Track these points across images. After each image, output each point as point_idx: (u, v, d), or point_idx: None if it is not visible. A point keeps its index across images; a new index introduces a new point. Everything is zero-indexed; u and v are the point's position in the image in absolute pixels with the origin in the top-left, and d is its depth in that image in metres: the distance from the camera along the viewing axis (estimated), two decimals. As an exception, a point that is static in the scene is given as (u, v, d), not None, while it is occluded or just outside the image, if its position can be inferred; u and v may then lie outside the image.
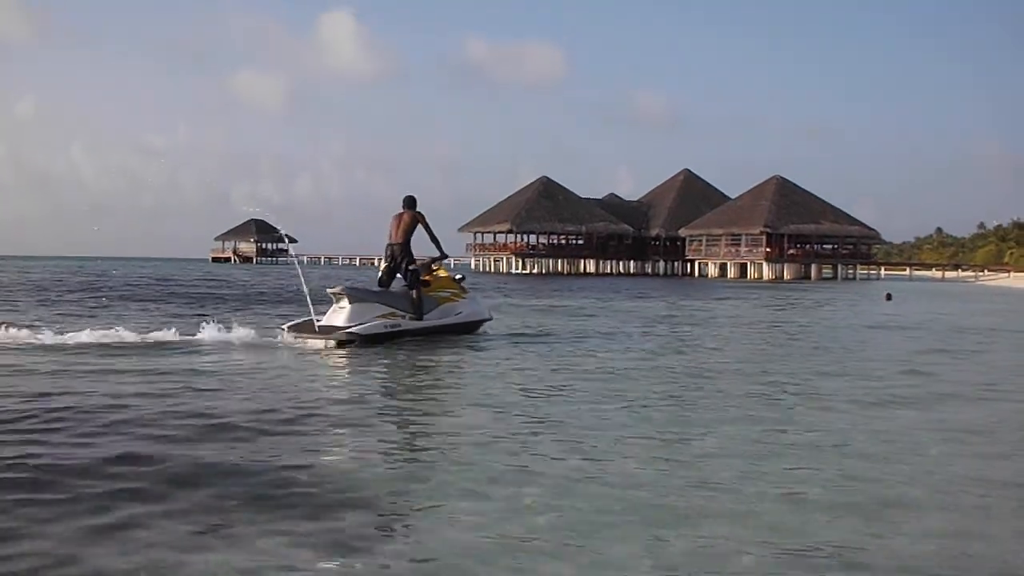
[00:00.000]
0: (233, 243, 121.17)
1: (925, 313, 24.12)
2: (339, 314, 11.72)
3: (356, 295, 11.92)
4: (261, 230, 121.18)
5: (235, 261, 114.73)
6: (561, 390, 8.17)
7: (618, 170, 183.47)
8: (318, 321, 11.73)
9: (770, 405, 7.62)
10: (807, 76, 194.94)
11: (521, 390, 8.13)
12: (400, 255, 12.34)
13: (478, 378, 9.13)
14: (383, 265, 12.62)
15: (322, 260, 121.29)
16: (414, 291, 12.33)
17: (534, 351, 11.59)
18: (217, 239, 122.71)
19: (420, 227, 12.46)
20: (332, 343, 11.31)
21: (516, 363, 10.34)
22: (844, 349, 13.02)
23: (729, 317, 20.51)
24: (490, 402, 7.42)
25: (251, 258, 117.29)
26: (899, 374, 9.93)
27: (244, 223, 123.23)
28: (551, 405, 7.39)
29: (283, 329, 11.86)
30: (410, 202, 12.63)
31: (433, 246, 12.76)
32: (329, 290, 12.02)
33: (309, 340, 11.42)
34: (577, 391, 8.11)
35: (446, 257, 13.44)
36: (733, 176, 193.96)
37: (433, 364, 10.24)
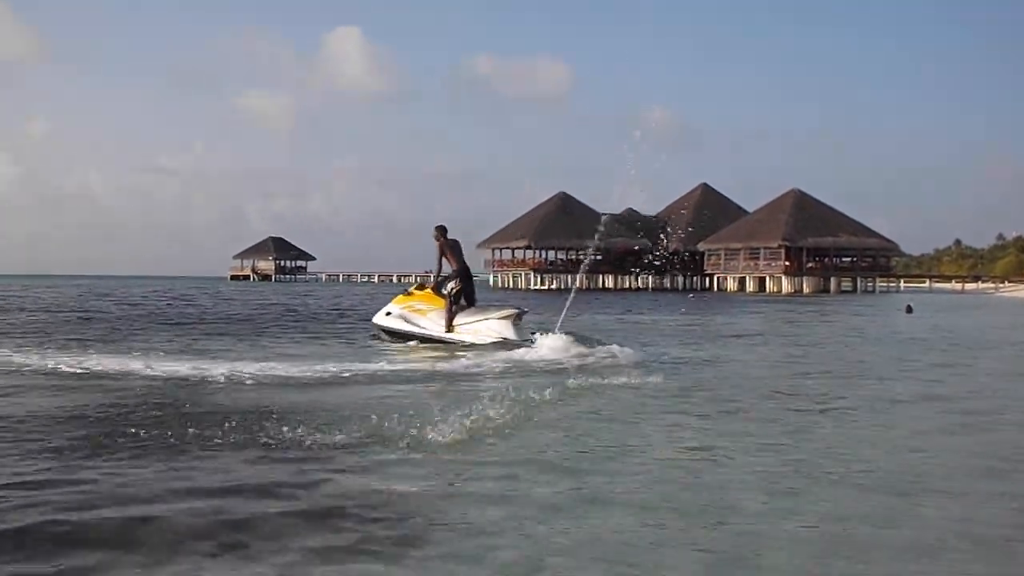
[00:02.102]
0: (252, 261, 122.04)
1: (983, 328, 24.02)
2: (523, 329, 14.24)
3: None
4: (279, 248, 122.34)
5: (254, 279, 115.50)
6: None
7: (634, 184, 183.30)
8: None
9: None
10: (822, 86, 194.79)
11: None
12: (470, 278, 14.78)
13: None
14: (457, 287, 14.46)
15: (340, 277, 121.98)
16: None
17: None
18: (236, 257, 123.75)
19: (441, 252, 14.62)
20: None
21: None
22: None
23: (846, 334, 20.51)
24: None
25: (269, 276, 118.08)
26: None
27: (262, 241, 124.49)
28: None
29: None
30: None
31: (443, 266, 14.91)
32: (514, 310, 14.29)
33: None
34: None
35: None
36: (750, 189, 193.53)
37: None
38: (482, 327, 14.03)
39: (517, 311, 14.28)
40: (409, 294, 15.42)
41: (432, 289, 14.83)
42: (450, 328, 14.23)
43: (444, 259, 14.42)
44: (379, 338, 15.48)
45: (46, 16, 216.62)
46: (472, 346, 13.48)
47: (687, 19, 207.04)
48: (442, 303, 14.50)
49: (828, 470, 5.56)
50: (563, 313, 14.38)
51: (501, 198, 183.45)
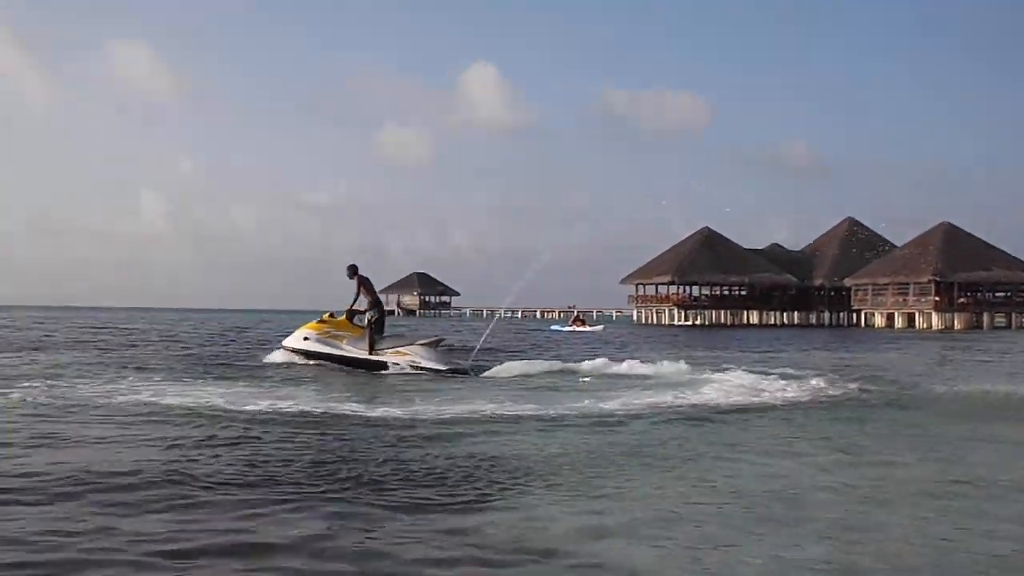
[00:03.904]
0: (397, 296, 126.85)
1: None
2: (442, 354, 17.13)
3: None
4: (424, 283, 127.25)
5: (399, 314, 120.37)
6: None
7: (777, 219, 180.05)
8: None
9: None
10: (970, 117, 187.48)
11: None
12: None
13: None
14: (375, 317, 16.75)
15: (484, 312, 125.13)
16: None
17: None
18: (381, 293, 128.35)
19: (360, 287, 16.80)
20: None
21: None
22: None
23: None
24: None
25: (414, 311, 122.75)
26: None
27: (407, 276, 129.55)
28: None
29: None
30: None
31: (352, 299, 17.12)
32: (434, 338, 17.22)
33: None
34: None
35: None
36: (895, 222, 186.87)
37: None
38: (405, 349, 16.60)
39: (437, 338, 17.10)
40: (323, 321, 17.40)
41: (346, 318, 17.18)
42: (372, 351, 16.74)
43: (361, 293, 16.64)
44: (282, 363, 17.03)
45: (194, 57, 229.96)
46: (393, 366, 16.09)
47: (823, 53, 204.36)
48: (356, 330, 16.75)
49: None
50: (482, 339, 18.02)
51: (636, 232, 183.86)
